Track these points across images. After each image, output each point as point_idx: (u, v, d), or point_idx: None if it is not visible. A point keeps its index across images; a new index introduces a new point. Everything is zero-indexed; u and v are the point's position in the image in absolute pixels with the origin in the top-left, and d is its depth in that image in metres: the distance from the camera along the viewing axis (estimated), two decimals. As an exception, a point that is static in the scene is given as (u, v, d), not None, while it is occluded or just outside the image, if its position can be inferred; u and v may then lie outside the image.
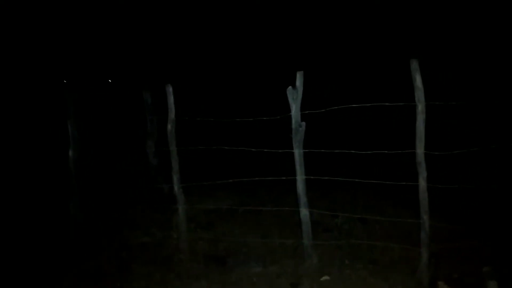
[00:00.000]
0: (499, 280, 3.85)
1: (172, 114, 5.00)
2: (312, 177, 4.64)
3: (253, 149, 5.02)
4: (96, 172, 7.79)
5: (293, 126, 4.46)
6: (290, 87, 4.40)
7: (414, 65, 3.92)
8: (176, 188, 5.10)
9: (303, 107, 4.44)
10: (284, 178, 4.81)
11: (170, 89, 4.99)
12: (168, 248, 5.29)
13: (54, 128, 7.12)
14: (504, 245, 4.48)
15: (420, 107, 3.92)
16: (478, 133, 7.71)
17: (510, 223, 4.56)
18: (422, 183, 4.01)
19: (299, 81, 4.39)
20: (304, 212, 4.58)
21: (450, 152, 4.00)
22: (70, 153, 5.90)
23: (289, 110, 4.47)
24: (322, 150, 4.64)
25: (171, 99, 4.99)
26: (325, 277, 4.31)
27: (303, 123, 4.44)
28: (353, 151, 4.50)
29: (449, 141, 4.90)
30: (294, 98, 4.41)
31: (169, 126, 5.03)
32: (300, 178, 4.54)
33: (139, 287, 4.40)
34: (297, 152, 4.50)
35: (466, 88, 8.57)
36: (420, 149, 3.97)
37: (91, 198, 7.09)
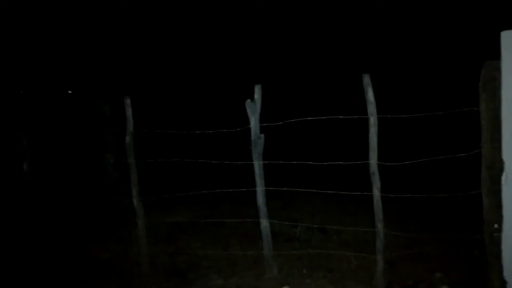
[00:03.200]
0: (450, 285, 4.02)
1: (130, 126, 4.97)
2: (272, 188, 4.71)
3: (213, 161, 5.04)
4: (52, 185, 7.57)
5: (252, 138, 4.52)
6: (248, 100, 4.48)
7: (366, 79, 4.08)
8: (135, 201, 5.04)
9: (262, 119, 4.51)
10: (244, 189, 4.85)
11: (128, 101, 4.96)
12: (127, 262, 5.19)
13: (7, 141, 6.89)
14: (454, 252, 4.68)
15: (372, 120, 4.08)
16: (428, 144, 8.06)
17: (460, 230, 4.77)
18: (376, 192, 4.15)
19: (257, 94, 4.47)
20: (264, 223, 4.64)
21: (402, 163, 4.17)
22: (25, 166, 5.72)
23: (249, 123, 4.53)
24: (281, 162, 4.72)
25: (129, 111, 4.96)
26: (285, 287, 4.36)
27: (262, 135, 4.52)
28: (310, 162, 4.61)
29: (401, 152, 5.09)
30: (253, 111, 4.49)
31: (127, 139, 4.99)
32: (260, 189, 4.60)
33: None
34: (257, 164, 4.56)
35: (417, 102, 8.98)
36: (373, 160, 4.11)
37: (47, 212, 6.90)
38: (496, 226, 3.71)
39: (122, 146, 5.06)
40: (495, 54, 3.53)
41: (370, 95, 4.05)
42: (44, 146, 7.65)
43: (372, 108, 4.05)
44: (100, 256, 5.46)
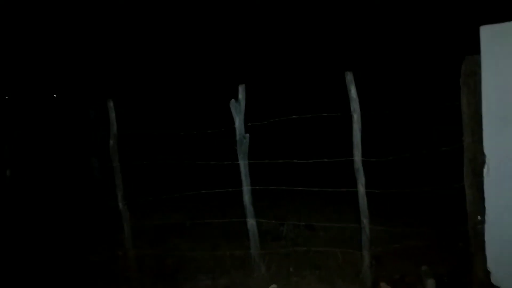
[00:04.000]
0: (436, 278, 4.07)
1: (114, 129, 4.92)
2: (258, 187, 4.71)
3: (198, 162, 5.03)
4: (36, 190, 7.47)
5: (237, 138, 4.52)
6: (233, 100, 4.47)
7: (349, 77, 4.10)
8: (120, 205, 4.99)
9: (246, 119, 4.52)
10: (230, 189, 4.85)
11: (111, 104, 4.91)
12: (114, 266, 5.15)
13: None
14: (439, 245, 4.74)
15: (356, 117, 4.11)
16: (410, 139, 8.15)
17: (444, 223, 4.84)
18: (361, 188, 4.18)
19: (241, 94, 4.47)
20: (251, 222, 4.64)
21: (385, 159, 4.21)
22: (7, 172, 5.63)
23: (233, 122, 4.53)
24: (267, 161, 4.73)
25: (112, 114, 4.91)
26: (273, 286, 4.37)
27: (247, 135, 4.52)
28: (295, 160, 4.63)
29: (385, 148, 5.15)
30: (237, 111, 4.48)
31: (111, 142, 4.94)
32: (246, 188, 4.60)
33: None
34: (242, 164, 4.55)
35: (399, 98, 9.08)
36: (357, 157, 4.14)
37: (31, 217, 6.80)
38: (479, 218, 3.77)
39: (107, 149, 5.01)
40: (476, 49, 3.58)
41: (353, 92, 4.08)
42: (28, 151, 7.54)
43: (355, 105, 4.08)
44: (87, 260, 5.40)
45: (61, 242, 6.02)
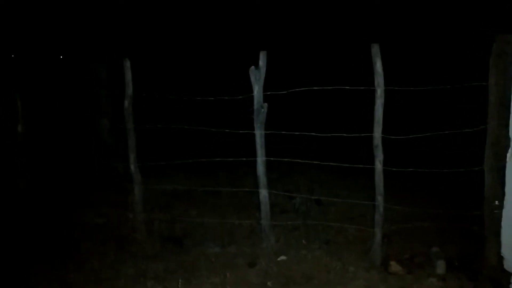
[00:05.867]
0: (446, 259, 4.05)
1: (129, 90, 4.84)
2: (272, 159, 4.65)
3: (213, 129, 4.95)
4: (47, 150, 7.47)
5: (255, 107, 4.42)
6: (253, 66, 4.35)
7: (375, 49, 3.97)
8: (132, 167, 4.97)
9: (265, 87, 4.41)
10: (244, 159, 4.79)
11: (128, 63, 4.81)
12: (123, 228, 5.17)
13: (1, 103, 6.73)
14: (452, 227, 4.70)
15: (379, 92, 3.99)
16: (433, 118, 8.01)
17: (460, 205, 4.78)
18: (378, 166, 4.11)
19: (262, 61, 4.35)
20: (264, 193, 4.60)
21: (406, 137, 4.12)
22: (19, 128, 5.60)
23: (252, 90, 4.42)
24: (283, 132, 4.65)
25: (128, 74, 4.82)
26: (282, 257, 4.37)
27: (265, 104, 4.42)
28: (313, 133, 4.54)
29: (407, 125, 5.04)
30: (257, 79, 4.37)
31: (126, 103, 4.87)
32: (260, 159, 4.54)
33: (91, 267, 4.28)
34: (258, 134, 4.48)
35: (426, 74, 8.87)
36: (377, 133, 4.05)
37: (41, 176, 6.82)
38: (497, 203, 3.72)
39: (120, 111, 4.95)
40: (508, 27, 3.43)
41: (378, 65, 3.95)
42: (39, 109, 7.49)
43: (379, 80, 3.96)
44: (95, 222, 5.43)
45: (68, 202, 6.04)
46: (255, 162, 4.56)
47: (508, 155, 3.48)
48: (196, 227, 5.17)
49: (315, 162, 4.71)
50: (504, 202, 3.54)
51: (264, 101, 4.42)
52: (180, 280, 3.98)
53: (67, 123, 8.05)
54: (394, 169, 4.14)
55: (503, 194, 3.53)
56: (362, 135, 4.22)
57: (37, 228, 5.21)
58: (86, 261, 4.40)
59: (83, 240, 4.88)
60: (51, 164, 7.26)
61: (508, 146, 3.47)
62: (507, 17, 3.48)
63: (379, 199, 4.16)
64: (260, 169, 4.56)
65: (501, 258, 3.60)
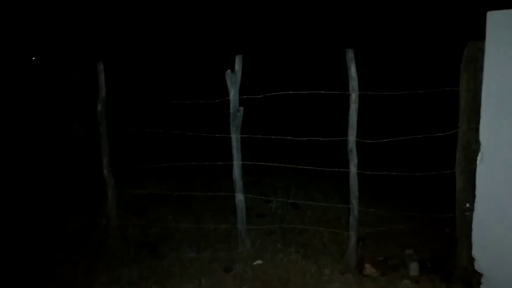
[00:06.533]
0: (420, 261, 4.11)
1: (102, 93, 4.76)
2: (248, 162, 4.64)
3: (189, 133, 4.91)
4: (18, 154, 7.26)
5: (231, 110, 4.41)
6: (229, 70, 4.34)
7: (350, 55, 4.01)
8: (105, 171, 4.88)
9: (241, 91, 4.40)
10: (220, 163, 4.77)
11: (101, 66, 4.74)
12: (96, 235, 5.07)
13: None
14: (425, 230, 4.78)
15: (354, 96, 4.03)
16: (406, 122, 8.16)
17: (432, 208, 4.86)
18: (353, 169, 4.15)
19: (238, 65, 4.34)
20: (240, 197, 4.58)
21: (380, 141, 4.17)
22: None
23: (228, 94, 4.41)
24: (259, 136, 4.64)
25: (102, 77, 4.74)
26: (258, 261, 4.36)
27: (241, 108, 4.41)
28: (289, 137, 4.56)
29: (381, 129, 5.12)
30: (233, 82, 4.36)
31: (99, 106, 4.78)
32: (236, 163, 4.52)
33: (64, 275, 4.17)
34: (234, 137, 4.46)
35: (400, 79, 9.05)
36: (352, 137, 4.09)
37: (12, 181, 6.63)
38: (468, 205, 3.80)
39: (94, 114, 4.85)
40: (479, 35, 3.52)
41: (352, 70, 3.99)
42: (11, 112, 7.29)
43: (354, 84, 4.01)
44: (68, 229, 5.30)
45: (40, 208, 5.89)
46: (231, 166, 4.55)
47: (479, 158, 3.56)
48: (171, 232, 5.11)
49: (291, 165, 4.73)
50: (475, 205, 3.62)
51: (240, 105, 4.41)
52: (153, 287, 3.92)
53: (40, 126, 7.86)
54: (368, 172, 4.19)
55: (474, 196, 3.61)
56: (337, 139, 4.25)
57: (9, 237, 5.04)
58: (59, 269, 4.29)
59: (55, 247, 4.76)
60: (22, 169, 7.07)
61: (479, 150, 3.55)
62: (478, 24, 3.55)
63: (354, 202, 4.19)
64: (236, 173, 4.55)
65: (472, 259, 3.67)
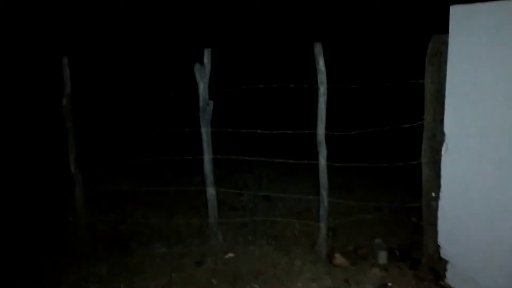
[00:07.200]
0: (388, 250, 4.21)
1: (67, 88, 4.64)
2: (219, 156, 4.62)
3: (158, 128, 4.85)
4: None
5: (201, 104, 4.38)
6: (197, 64, 4.30)
7: (318, 48, 4.04)
8: (72, 168, 4.77)
9: (211, 85, 4.37)
10: (190, 157, 4.73)
11: (65, 61, 4.61)
12: (64, 233, 4.96)
13: None
14: (393, 219, 4.90)
15: (322, 89, 4.07)
16: (375, 115, 8.29)
17: (399, 198, 4.98)
18: (322, 161, 4.20)
19: (206, 58, 4.31)
20: (211, 191, 4.57)
21: (348, 133, 4.23)
22: None
23: (197, 88, 4.37)
24: (229, 130, 4.63)
25: (66, 72, 4.62)
26: (230, 254, 4.36)
27: (211, 102, 4.38)
28: (259, 131, 4.56)
29: (348, 122, 5.20)
30: (202, 76, 4.33)
31: (64, 101, 4.66)
32: (207, 157, 4.50)
33: (29, 275, 4.06)
34: (205, 131, 4.44)
35: (367, 72, 9.20)
36: (321, 130, 4.13)
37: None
38: (433, 194, 3.90)
39: (59, 110, 4.73)
40: (443, 28, 3.60)
41: (321, 64, 4.02)
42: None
43: (322, 77, 4.04)
44: (35, 227, 5.15)
45: (5, 207, 5.70)
46: (202, 160, 4.52)
47: (443, 149, 3.66)
48: (142, 228, 5.04)
49: (262, 159, 4.74)
50: (440, 194, 3.73)
51: (210, 98, 4.38)
52: (122, 284, 3.87)
53: (5, 123, 7.60)
54: (337, 164, 4.25)
55: (439, 186, 3.72)
56: (307, 132, 4.28)
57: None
58: (24, 268, 4.18)
59: (21, 246, 4.62)
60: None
61: (443, 141, 3.65)
62: (442, 17, 3.64)
63: (324, 193, 4.24)
64: (207, 167, 4.52)
65: (438, 247, 3.79)
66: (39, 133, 7.27)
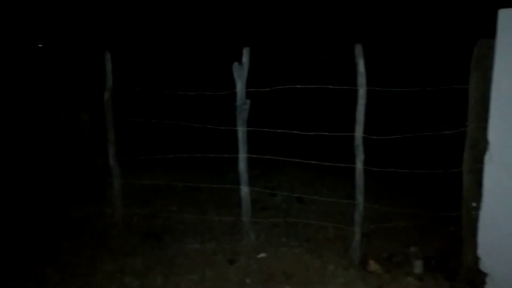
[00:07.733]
0: (424, 259, 4.10)
1: (109, 83, 4.76)
2: (254, 156, 4.63)
3: (195, 125, 4.90)
4: (24, 144, 7.30)
5: (238, 103, 4.40)
6: (236, 63, 4.32)
7: (358, 49, 3.97)
8: (111, 161, 4.90)
9: (248, 84, 4.38)
10: (226, 155, 4.76)
11: (108, 56, 4.73)
12: (100, 223, 5.09)
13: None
14: (430, 227, 4.76)
15: (362, 92, 4.01)
16: (415, 119, 8.12)
17: (438, 206, 4.84)
18: (359, 165, 4.13)
19: (245, 57, 4.32)
20: (245, 190, 4.58)
21: (387, 137, 4.14)
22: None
23: (235, 87, 4.39)
24: (266, 129, 4.63)
25: (109, 67, 4.75)
26: (262, 254, 4.36)
27: (248, 101, 4.40)
28: (295, 132, 4.54)
29: (388, 126, 5.09)
30: (240, 75, 4.34)
31: (105, 95, 4.79)
32: (242, 156, 4.52)
33: (68, 263, 4.19)
34: (241, 130, 4.45)
35: (409, 76, 8.99)
36: (358, 133, 4.06)
37: (18, 171, 6.67)
38: (474, 204, 3.77)
39: (100, 103, 4.86)
40: (489, 32, 3.47)
41: (361, 66, 3.96)
42: (14, 102, 7.31)
43: (362, 80, 3.98)
44: (73, 216, 5.33)
45: (45, 197, 5.92)
46: (237, 158, 4.54)
47: (486, 157, 3.53)
48: (175, 223, 5.12)
49: (297, 160, 4.72)
50: (481, 204, 3.60)
51: (247, 97, 4.39)
52: (158, 277, 3.94)
53: (46, 116, 7.88)
54: (374, 169, 4.17)
55: (481, 196, 3.59)
56: (344, 134, 4.23)
57: (13, 224, 5.08)
58: (63, 256, 4.32)
59: (60, 235, 4.78)
60: (29, 159, 7.10)
61: (486, 149, 3.52)
62: (488, 22, 3.51)
63: (359, 198, 4.18)
64: (242, 165, 4.54)
65: (477, 259, 3.66)
66: (79, 126, 7.49)
